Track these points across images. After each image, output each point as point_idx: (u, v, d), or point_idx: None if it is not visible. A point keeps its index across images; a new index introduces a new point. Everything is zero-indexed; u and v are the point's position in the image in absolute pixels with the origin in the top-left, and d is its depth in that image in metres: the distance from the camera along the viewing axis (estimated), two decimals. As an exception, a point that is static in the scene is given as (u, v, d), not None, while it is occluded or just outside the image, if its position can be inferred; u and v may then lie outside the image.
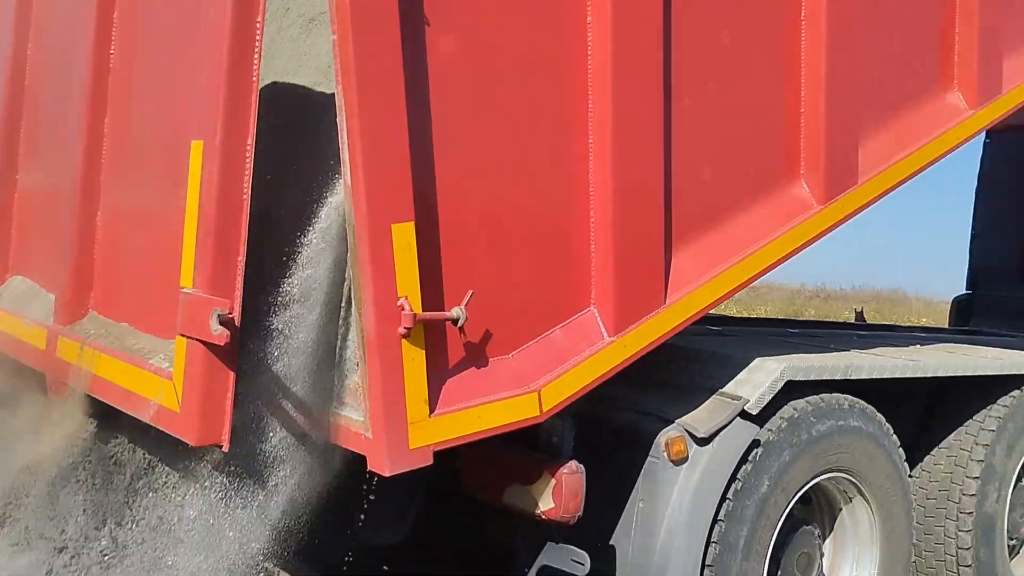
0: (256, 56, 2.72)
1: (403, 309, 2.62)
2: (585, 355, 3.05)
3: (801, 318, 10.83)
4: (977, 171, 8.66)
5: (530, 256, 3.02)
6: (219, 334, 2.59)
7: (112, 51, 3.54)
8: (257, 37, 2.72)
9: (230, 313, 2.62)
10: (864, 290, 30.10)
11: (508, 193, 2.97)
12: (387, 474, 2.66)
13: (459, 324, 2.74)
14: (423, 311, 2.67)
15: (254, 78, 2.71)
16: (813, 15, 3.81)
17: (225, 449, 2.75)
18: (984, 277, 8.68)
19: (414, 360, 2.65)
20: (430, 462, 2.71)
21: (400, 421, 2.64)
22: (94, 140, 3.53)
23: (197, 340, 2.69)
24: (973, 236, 8.80)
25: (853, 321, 8.74)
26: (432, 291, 2.74)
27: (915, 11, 4.40)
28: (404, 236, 2.63)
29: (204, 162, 2.75)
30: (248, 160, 2.71)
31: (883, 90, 4.25)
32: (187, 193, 2.81)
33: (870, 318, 13.18)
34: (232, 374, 2.74)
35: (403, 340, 2.63)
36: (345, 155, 2.61)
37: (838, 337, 5.17)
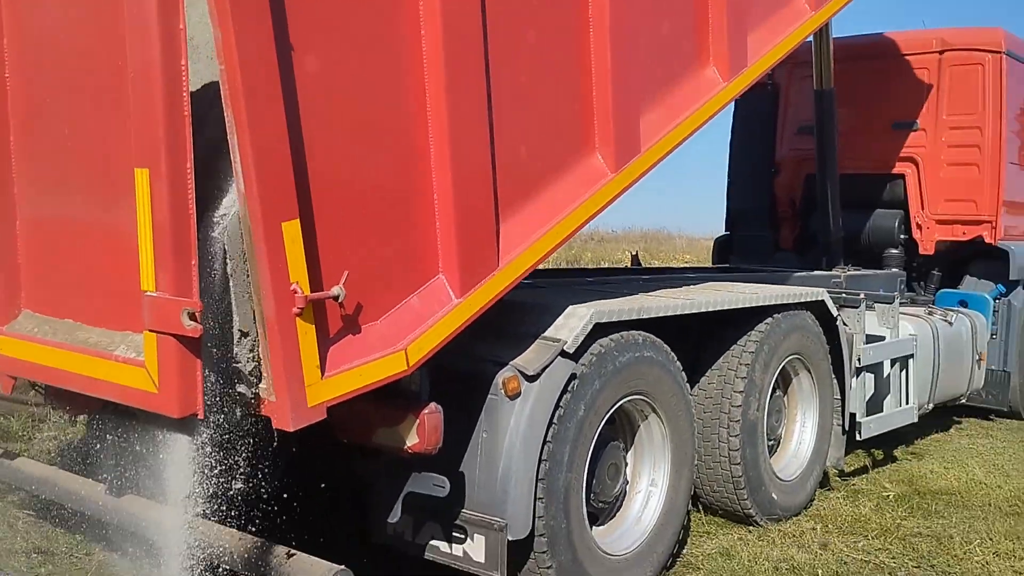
0: (185, 93, 3.07)
1: (296, 293, 3.13)
2: (439, 315, 3.65)
3: (585, 264, 11.86)
4: (730, 126, 9.81)
5: (388, 237, 3.56)
6: (192, 328, 3.06)
7: (6, 74, 3.76)
8: (184, 73, 3.08)
9: (198, 310, 3.07)
10: (633, 231, 32.18)
11: (365, 186, 3.49)
12: (291, 429, 3.19)
13: (339, 300, 3.28)
14: (311, 293, 3.18)
15: (186, 113, 3.08)
16: (599, 13, 4.39)
17: (200, 416, 3.22)
18: (739, 219, 9.80)
19: (307, 334, 3.18)
20: (324, 416, 3.26)
21: (299, 385, 3.17)
22: (2, 157, 3.78)
23: (168, 334, 3.12)
24: (729, 183, 9.88)
25: (630, 264, 9.67)
26: (314, 274, 3.24)
27: (675, 2, 5.04)
28: (292, 232, 3.13)
29: (152, 188, 3.13)
30: (190, 179, 3.12)
31: (656, 70, 4.88)
32: (137, 213, 3.18)
33: (643, 259, 14.48)
34: (200, 356, 3.18)
35: (297, 318, 3.14)
36: (238, 166, 3.06)
37: (627, 282, 5.97)
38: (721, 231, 10.00)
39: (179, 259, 3.12)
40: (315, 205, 3.25)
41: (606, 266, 12.73)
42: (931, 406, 7.47)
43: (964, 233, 8.56)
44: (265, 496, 3.95)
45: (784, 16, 5.77)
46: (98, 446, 4.11)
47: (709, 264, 11.24)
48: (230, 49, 2.98)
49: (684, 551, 5.21)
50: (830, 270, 8.28)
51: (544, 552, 4.19)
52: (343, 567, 3.54)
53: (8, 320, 3.86)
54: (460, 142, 3.74)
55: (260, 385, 3.28)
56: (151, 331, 3.20)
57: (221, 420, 3.37)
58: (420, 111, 3.66)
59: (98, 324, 3.58)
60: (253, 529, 3.86)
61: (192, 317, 3.07)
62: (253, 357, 3.29)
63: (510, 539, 4.02)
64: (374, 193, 3.51)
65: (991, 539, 5.58)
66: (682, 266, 11.80)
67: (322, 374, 3.24)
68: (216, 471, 3.47)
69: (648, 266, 10.92)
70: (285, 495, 4.14)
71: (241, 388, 3.33)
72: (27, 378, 3.86)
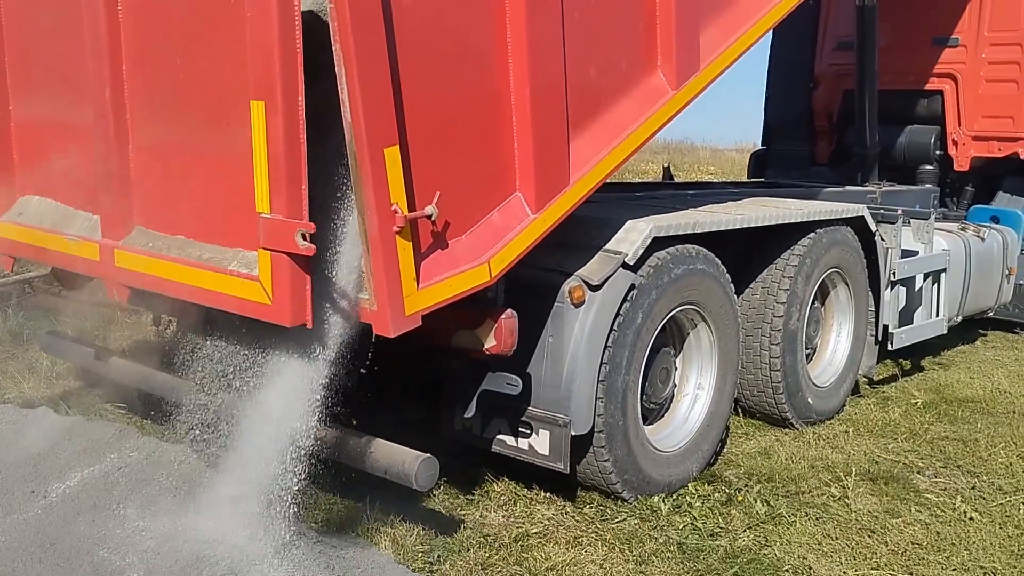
0: (298, 33, 3.30)
1: (396, 212, 3.43)
2: (517, 230, 3.94)
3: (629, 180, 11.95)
4: (770, 41, 9.86)
5: (472, 158, 3.84)
6: (306, 248, 3.36)
7: (119, 6, 3.97)
8: (297, 18, 3.31)
9: (311, 232, 3.37)
10: (656, 141, 31.99)
11: (453, 111, 3.75)
12: (392, 335, 3.54)
13: (432, 218, 3.58)
14: (408, 212, 3.48)
15: (298, 50, 3.30)
16: None
17: (309, 327, 3.54)
18: (776, 133, 9.94)
19: (405, 249, 3.50)
20: (419, 323, 3.59)
21: (398, 295, 3.50)
22: (116, 85, 4.02)
23: (282, 252, 3.42)
24: (767, 97, 9.98)
25: (662, 177, 9.85)
26: (410, 195, 3.53)
27: None
28: (393, 156, 3.42)
29: (268, 120, 3.37)
30: (302, 113, 3.36)
31: None
32: (253, 141, 3.43)
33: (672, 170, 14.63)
34: (309, 275, 3.49)
35: (396, 236, 3.45)
36: (345, 97, 3.31)
37: (676, 197, 6.21)
38: (745, 142, 10.17)
39: (292, 185, 3.39)
40: (410, 131, 3.52)
41: (649, 180, 12.93)
42: (960, 319, 7.74)
43: (1000, 150, 8.69)
44: (350, 392, 4.29)
45: None
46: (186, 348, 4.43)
47: (736, 177, 11.39)
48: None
49: (726, 450, 5.58)
50: (866, 185, 8.46)
51: (603, 447, 4.56)
52: (428, 454, 3.91)
53: (123, 235, 4.14)
54: (536, 67, 3.97)
55: (362, 295, 3.60)
56: (266, 249, 3.48)
57: (326, 327, 3.68)
58: (501, 39, 3.89)
59: (210, 241, 3.85)
60: (341, 421, 4.22)
61: (304, 237, 3.35)
62: (357, 270, 3.60)
63: (573, 434, 4.39)
64: (461, 118, 3.78)
65: (1015, 442, 5.92)
66: (723, 181, 11.96)
67: (417, 285, 3.57)
68: (319, 372, 3.79)
69: (684, 181, 11.09)
70: (366, 391, 4.49)
71: (344, 298, 3.64)
72: (146, 288, 4.10)
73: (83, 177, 4.32)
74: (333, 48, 3.30)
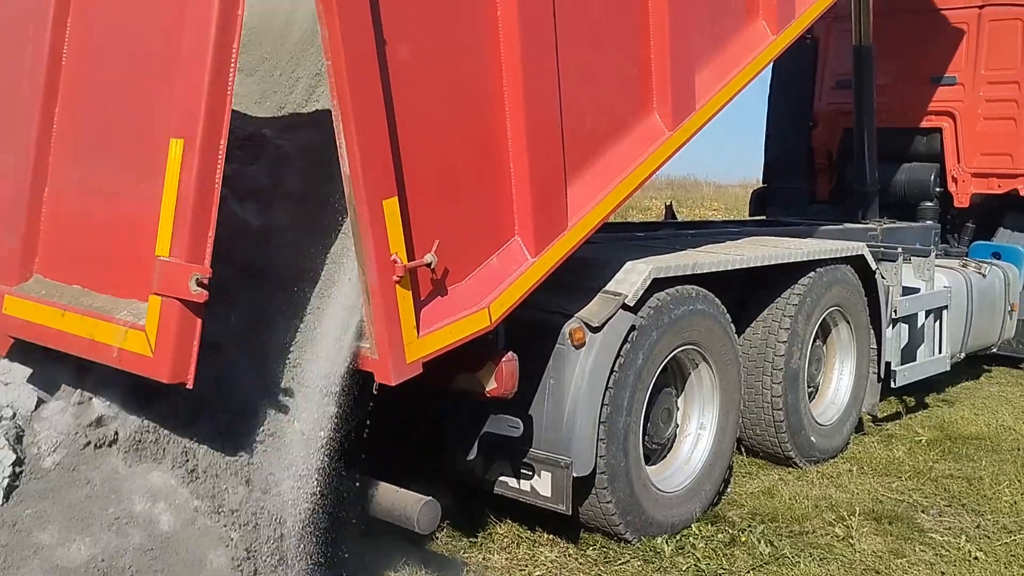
0: (231, 73, 3.27)
1: (396, 262, 3.47)
2: (516, 274, 3.98)
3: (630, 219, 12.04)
4: (769, 79, 9.96)
5: (471, 205, 3.89)
6: (198, 293, 3.21)
7: (65, 49, 3.88)
8: (233, 59, 3.28)
9: (207, 277, 3.23)
10: (659, 178, 32.11)
11: (451, 160, 3.79)
12: (393, 383, 3.56)
13: (432, 266, 3.62)
14: (408, 262, 3.52)
15: (229, 90, 3.27)
16: None
17: (189, 387, 3.31)
18: (776, 171, 10.01)
19: (405, 298, 3.53)
20: (420, 371, 3.62)
21: (399, 343, 3.53)
22: (45, 125, 3.88)
23: (173, 298, 3.25)
24: (767, 136, 10.07)
25: (664, 215, 9.92)
26: (409, 244, 3.57)
27: None
28: (391, 208, 3.46)
29: (184, 158, 3.26)
30: (221, 156, 3.27)
31: (709, 29, 5.10)
32: (165, 181, 3.31)
33: (675, 208, 14.71)
34: (199, 325, 3.29)
35: (396, 285, 3.48)
36: (343, 151, 3.36)
37: (675, 237, 6.27)
38: (749, 178, 10.25)
39: (197, 227, 3.26)
40: (408, 182, 3.56)
41: (651, 220, 13.04)
42: (963, 355, 7.75)
43: (999, 186, 8.75)
44: (354, 437, 4.31)
45: None
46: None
47: (739, 214, 11.45)
48: (336, 46, 3.27)
49: (729, 490, 5.58)
50: (866, 223, 8.51)
51: (605, 488, 4.57)
52: (430, 498, 3.92)
53: (19, 281, 3.92)
54: (533, 116, 4.03)
55: (363, 344, 3.63)
56: (157, 295, 3.29)
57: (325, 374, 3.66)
58: (497, 90, 3.95)
59: (105, 291, 3.65)
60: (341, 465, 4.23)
61: (200, 283, 3.20)
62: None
63: (575, 475, 4.39)
64: (458, 167, 3.83)
65: (1019, 480, 5.90)
66: (723, 219, 12.03)
67: (418, 333, 3.60)
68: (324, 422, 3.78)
69: (687, 220, 11.16)
70: (367, 435, 4.51)
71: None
72: (29, 339, 3.84)
73: None
74: (331, 103, 3.36)
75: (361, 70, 3.35)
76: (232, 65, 3.31)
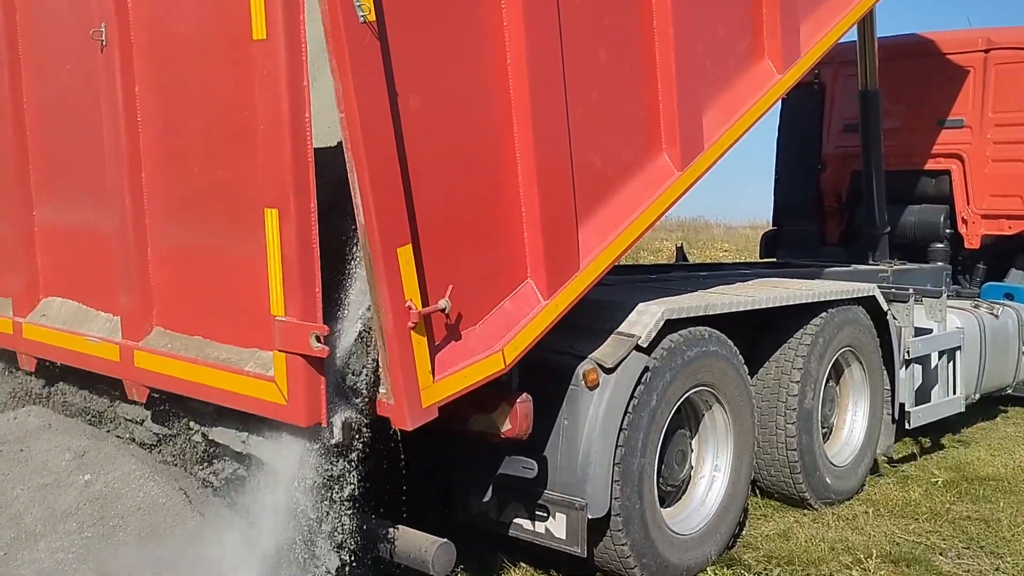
0: (310, 144, 3.43)
1: (411, 309, 3.52)
2: (529, 317, 4.02)
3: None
4: (777, 125, 10.06)
5: (483, 250, 3.94)
6: (319, 349, 3.44)
7: (139, 118, 4.11)
8: (308, 132, 3.45)
9: (325, 333, 3.45)
10: (670, 219, 32.21)
11: (463, 206, 3.86)
12: (409, 428, 3.60)
13: (446, 311, 3.66)
14: (422, 308, 3.57)
15: (310, 160, 3.44)
16: (663, 25, 4.70)
17: (324, 425, 3.60)
18: (786, 214, 10.06)
19: (420, 344, 3.58)
20: (436, 415, 3.65)
21: (414, 388, 3.57)
22: (136, 192, 4.14)
23: (297, 354, 3.50)
24: (777, 179, 10.13)
25: (675, 256, 9.97)
26: (423, 290, 3.62)
27: (730, 2, 5.27)
28: (406, 255, 3.52)
29: (281, 227, 3.49)
30: (314, 219, 3.47)
31: (715, 70, 5.16)
32: (267, 246, 3.54)
33: (685, 250, 14.79)
34: (324, 375, 3.56)
35: (411, 331, 3.53)
36: (358, 200, 3.44)
37: (687, 279, 6.30)
38: (759, 219, 10.27)
39: (306, 289, 3.48)
40: (421, 229, 3.63)
41: (662, 262, 13.12)
42: (977, 396, 7.72)
43: (1010, 228, 8.77)
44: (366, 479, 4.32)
45: (833, 4, 5.97)
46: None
47: (750, 255, 11.48)
48: (350, 99, 3.36)
49: (744, 532, 5.55)
50: (877, 264, 8.53)
51: (620, 530, 4.55)
52: (445, 540, 3.92)
53: (142, 336, 4.20)
54: (543, 159, 4.09)
55: (379, 390, 3.67)
56: (281, 351, 3.56)
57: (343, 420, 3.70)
58: (507, 135, 4.01)
59: (227, 342, 3.90)
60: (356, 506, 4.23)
61: (319, 339, 3.43)
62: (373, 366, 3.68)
63: (589, 517, 4.38)
64: (471, 212, 3.89)
65: (1037, 522, 5.85)
66: (734, 262, 12.07)
67: (433, 378, 3.64)
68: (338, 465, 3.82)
69: (698, 262, 11.21)
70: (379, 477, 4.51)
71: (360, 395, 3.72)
72: (164, 389, 4.14)
73: (103, 279, 4.41)
74: (345, 156, 3.43)
75: (374, 122, 3.43)
76: (308, 138, 3.45)
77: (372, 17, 3.36)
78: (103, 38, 4.09)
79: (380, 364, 3.62)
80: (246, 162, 3.63)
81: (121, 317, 4.32)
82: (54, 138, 4.69)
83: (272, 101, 3.46)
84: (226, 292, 3.93)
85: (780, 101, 9.22)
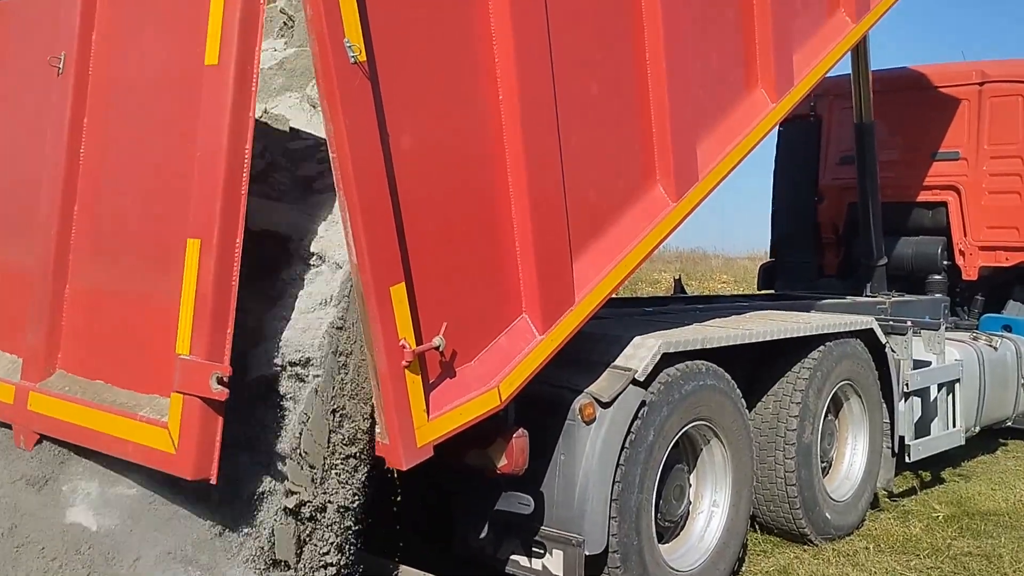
0: (245, 175, 3.36)
1: (404, 347, 3.48)
2: (525, 352, 3.98)
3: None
4: (774, 157, 10.09)
5: (477, 286, 3.90)
6: (219, 391, 3.24)
7: (82, 149, 3.98)
8: (245, 163, 3.37)
9: (227, 376, 3.27)
10: (668, 250, 32.22)
11: (457, 243, 3.81)
12: (404, 468, 3.55)
13: (440, 349, 3.63)
14: (416, 346, 3.53)
15: (243, 192, 3.36)
16: (655, 58, 4.70)
17: (213, 482, 3.35)
18: (784, 246, 10.06)
19: (414, 382, 3.54)
20: (431, 454, 3.60)
21: (409, 427, 3.52)
22: (64, 226, 3.96)
23: (194, 396, 3.30)
24: (774, 211, 10.15)
25: (673, 288, 9.96)
26: (417, 328, 3.57)
27: (722, 32, 5.28)
28: (399, 294, 3.48)
29: (201, 258, 3.34)
30: (238, 254, 3.34)
31: (709, 100, 5.14)
32: (183, 280, 3.39)
33: (682, 281, 14.80)
34: (221, 422, 3.33)
35: (405, 370, 3.49)
36: (351, 240, 3.40)
37: (684, 312, 6.27)
38: (757, 250, 10.25)
39: (216, 326, 3.32)
40: (414, 267, 3.58)
41: (661, 293, 13.11)
42: (977, 429, 7.67)
43: (1007, 259, 8.77)
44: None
45: (826, 33, 5.99)
46: None
47: (748, 286, 11.47)
48: (341, 139, 3.34)
49: (743, 568, 5.48)
50: (874, 296, 8.51)
51: (617, 567, 4.50)
52: (441, 578, 3.87)
53: (42, 377, 3.96)
54: (536, 195, 4.07)
55: (375, 429, 3.63)
56: (178, 392, 3.35)
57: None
58: (500, 170, 3.99)
59: (127, 387, 3.70)
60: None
61: (220, 381, 3.23)
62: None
63: (587, 554, 4.33)
64: (464, 248, 3.85)
65: (1039, 558, 5.79)
66: (731, 294, 12.06)
67: (428, 416, 3.59)
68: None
69: (695, 294, 11.20)
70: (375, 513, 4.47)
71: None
72: (52, 435, 3.87)
73: (15, 318, 4.20)
74: (337, 194, 3.41)
75: (366, 162, 3.41)
76: (245, 168, 3.38)
77: (363, 57, 3.36)
78: (60, 65, 3.99)
79: (374, 403, 3.57)
80: (181, 196, 3.51)
81: (24, 358, 4.09)
82: (3, 168, 4.53)
83: (214, 126, 3.38)
84: (135, 333, 3.75)
85: (777, 133, 9.54)
